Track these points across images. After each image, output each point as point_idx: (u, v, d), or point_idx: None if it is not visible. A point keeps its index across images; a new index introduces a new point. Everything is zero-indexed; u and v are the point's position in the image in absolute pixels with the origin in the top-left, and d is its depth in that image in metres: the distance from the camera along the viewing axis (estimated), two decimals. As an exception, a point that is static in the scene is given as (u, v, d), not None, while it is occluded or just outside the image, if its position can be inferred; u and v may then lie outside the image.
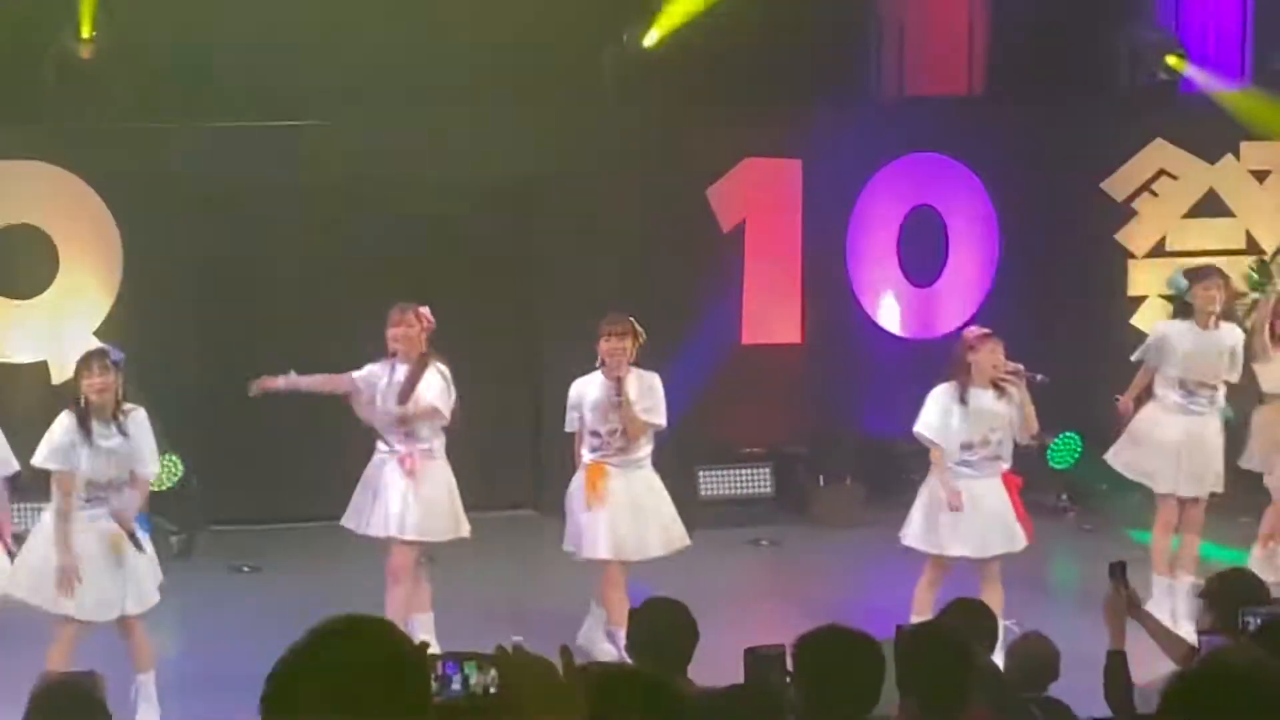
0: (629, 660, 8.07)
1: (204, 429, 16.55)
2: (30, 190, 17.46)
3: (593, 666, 4.37)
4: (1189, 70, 20.13)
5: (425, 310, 14.09)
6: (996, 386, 13.94)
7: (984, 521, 13.90)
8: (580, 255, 18.27)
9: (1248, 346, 15.74)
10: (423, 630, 13.15)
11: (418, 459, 14.02)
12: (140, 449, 13.05)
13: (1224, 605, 8.72)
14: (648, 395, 14.18)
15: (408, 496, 13.98)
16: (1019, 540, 14.05)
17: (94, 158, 17.44)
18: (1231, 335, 15.17)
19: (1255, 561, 14.86)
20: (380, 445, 14.15)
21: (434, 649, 4.17)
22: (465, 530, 14.28)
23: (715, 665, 7.91)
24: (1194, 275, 15.24)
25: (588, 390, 14.29)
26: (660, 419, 14.31)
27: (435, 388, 13.99)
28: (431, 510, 14.06)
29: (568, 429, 14.49)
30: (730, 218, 18.97)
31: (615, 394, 14.00)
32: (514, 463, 18.56)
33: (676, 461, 18.15)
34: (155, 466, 13.43)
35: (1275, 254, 16.78)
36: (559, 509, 14.88)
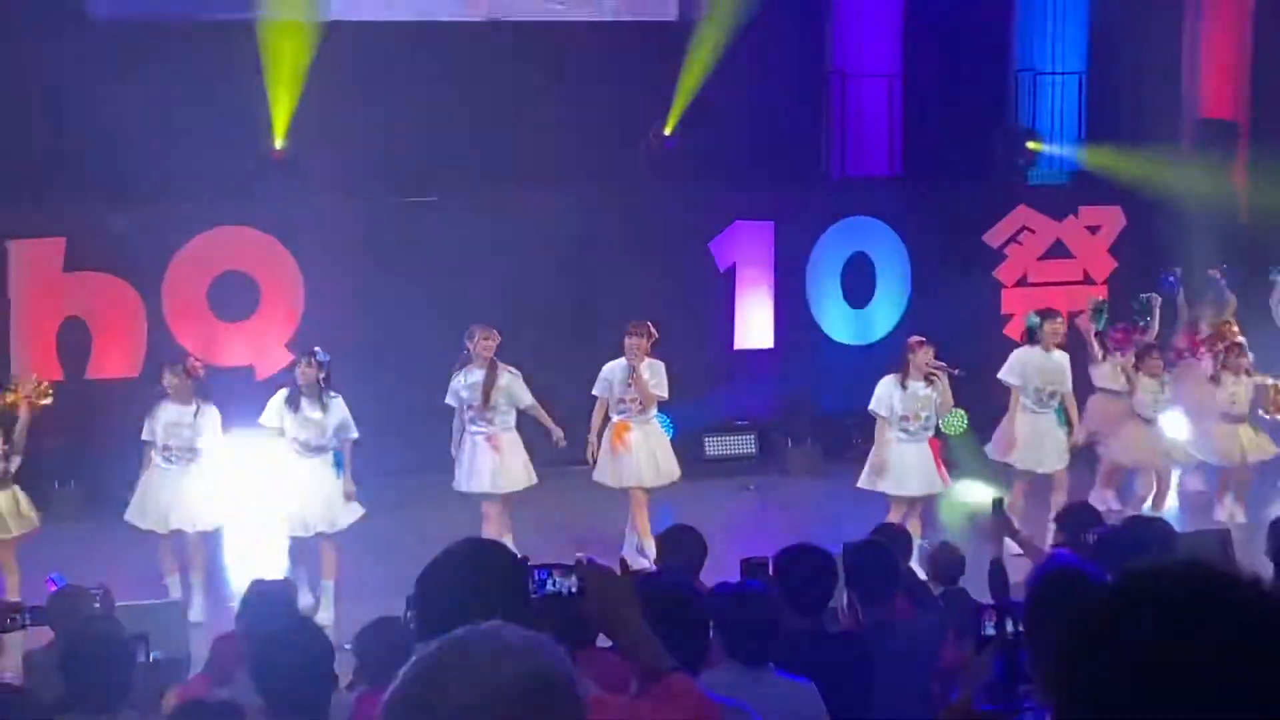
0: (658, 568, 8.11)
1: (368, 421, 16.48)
2: (240, 245, 17.51)
3: (636, 573, 4.39)
4: (1044, 149, 20.14)
5: (493, 330, 14.18)
6: (927, 378, 13.98)
7: (914, 471, 13.94)
8: (621, 289, 18.26)
9: (1082, 358, 15.80)
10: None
11: (499, 436, 14.04)
12: (341, 421, 13.32)
13: (1071, 528, 8.75)
14: (656, 375, 14.31)
15: (495, 463, 13.97)
16: (939, 484, 14.07)
17: (284, 222, 17.49)
18: (1064, 357, 14.99)
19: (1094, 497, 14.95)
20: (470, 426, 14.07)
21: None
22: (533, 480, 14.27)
23: (719, 571, 7.94)
24: (1043, 314, 15.19)
25: (615, 371, 14.40)
26: (663, 392, 14.52)
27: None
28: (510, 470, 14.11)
29: (594, 393, 14.65)
30: (725, 261, 18.97)
31: (629, 375, 14.11)
32: (573, 429, 18.52)
33: (689, 430, 18.22)
34: (354, 434, 13.53)
35: (1100, 304, 16.63)
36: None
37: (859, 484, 14.15)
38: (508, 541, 13.44)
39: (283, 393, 13.48)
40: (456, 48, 18.07)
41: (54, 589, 9.33)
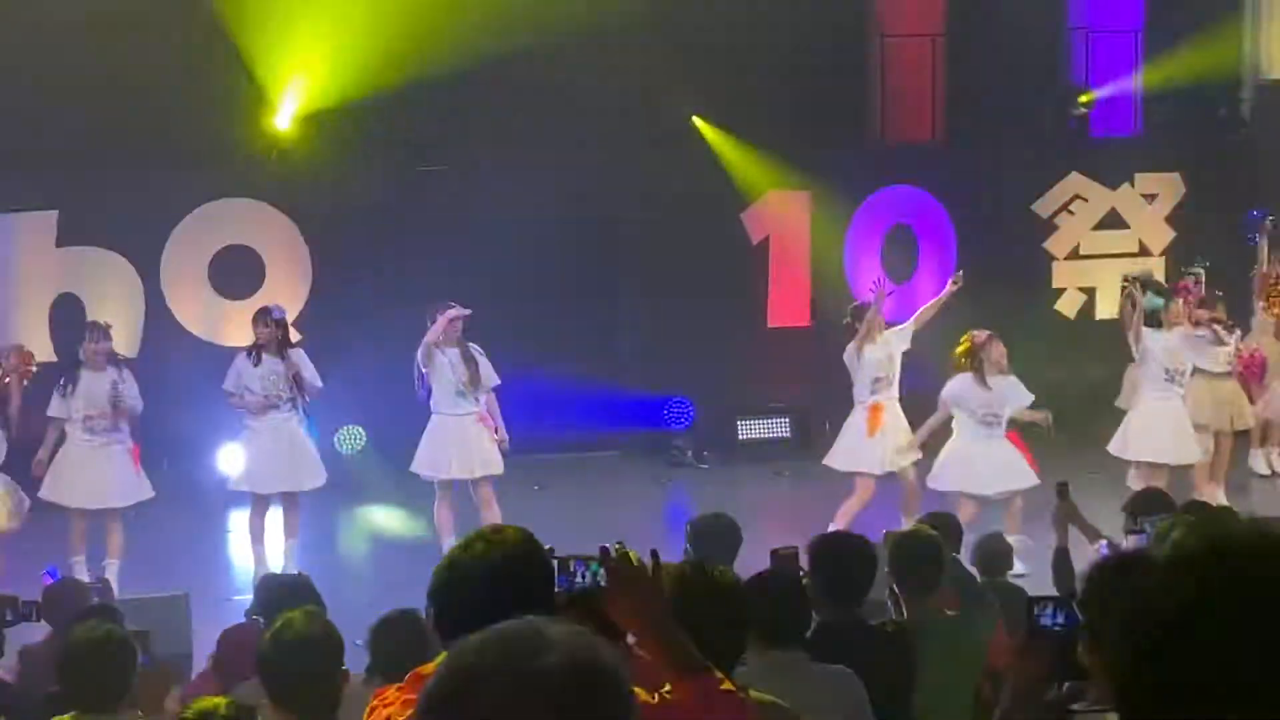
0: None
1: (380, 397, 16.46)
2: (245, 220, 17.54)
3: (669, 564, 4.39)
4: (1095, 97, 20.03)
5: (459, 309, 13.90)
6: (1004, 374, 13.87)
7: (993, 465, 13.78)
8: (651, 261, 18.28)
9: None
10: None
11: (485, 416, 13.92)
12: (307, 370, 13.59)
13: (1139, 516, 8.73)
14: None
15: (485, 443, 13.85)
16: (1030, 479, 13.82)
17: (291, 196, 17.51)
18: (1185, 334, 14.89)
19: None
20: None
21: None
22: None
23: (751, 560, 7.95)
24: (1162, 292, 15.06)
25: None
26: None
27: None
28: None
29: None
30: (758, 234, 18.97)
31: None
32: (601, 414, 18.57)
33: (722, 413, 18.26)
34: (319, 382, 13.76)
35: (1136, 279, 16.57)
36: (635, 451, 14.90)
37: (930, 484, 13.95)
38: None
39: (241, 354, 13.66)
40: (472, 11, 18.03)
41: (50, 582, 9.37)
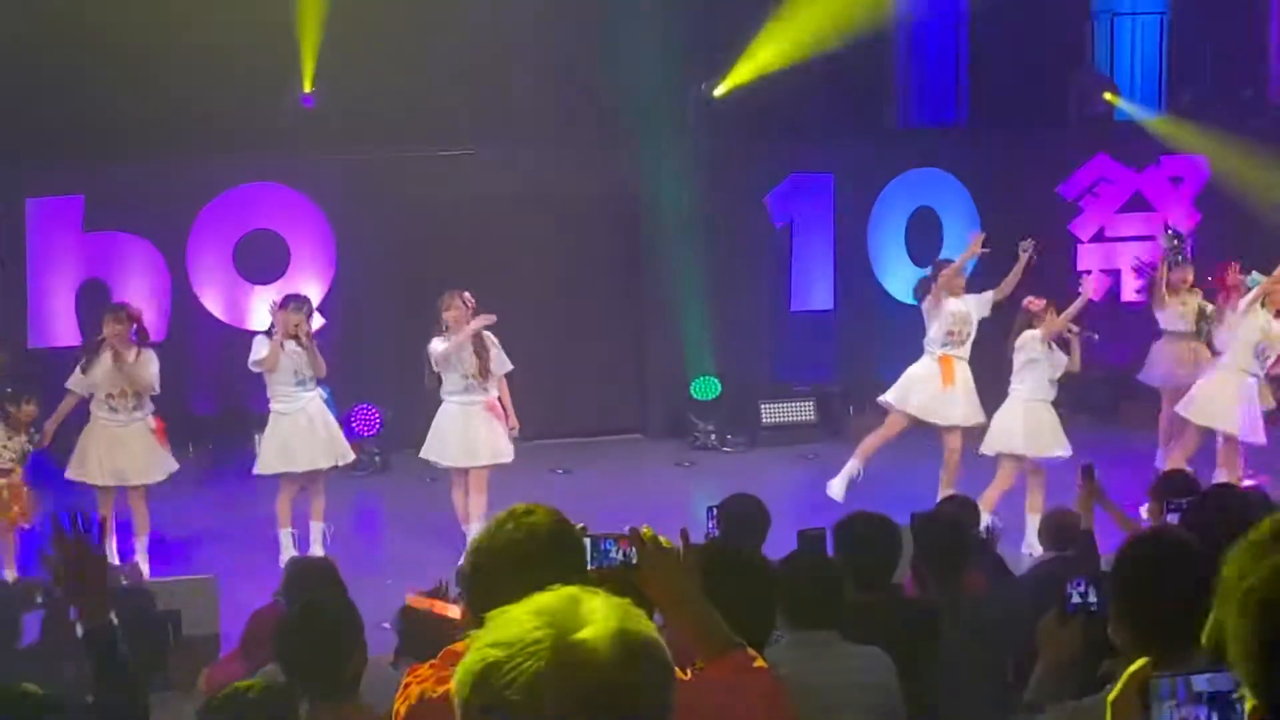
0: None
1: (399, 382, 16.51)
2: (269, 203, 17.58)
3: (700, 545, 4.40)
4: (1121, 103, 20.05)
5: (467, 294, 13.79)
6: (1062, 340, 13.93)
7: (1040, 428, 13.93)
8: (672, 243, 18.28)
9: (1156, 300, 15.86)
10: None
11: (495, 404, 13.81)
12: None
13: (1159, 497, 8.71)
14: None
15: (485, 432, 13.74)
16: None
17: (315, 178, 17.55)
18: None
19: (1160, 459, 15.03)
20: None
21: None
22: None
23: (777, 543, 7.96)
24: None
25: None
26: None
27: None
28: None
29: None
30: (781, 218, 18.97)
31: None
32: (624, 397, 18.60)
33: (744, 396, 18.26)
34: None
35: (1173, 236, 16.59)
36: (662, 432, 14.85)
37: (982, 450, 14.07)
38: (477, 525, 13.26)
39: (262, 336, 13.69)
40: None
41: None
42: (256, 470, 13.90)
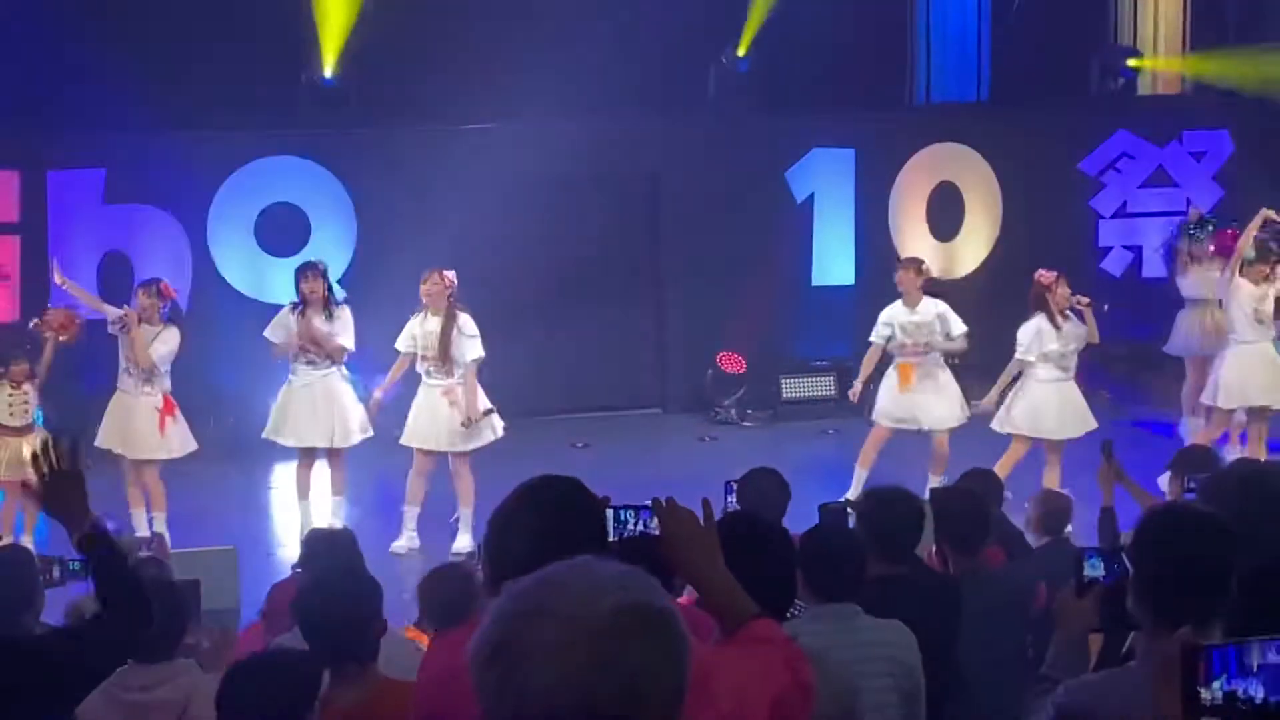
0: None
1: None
2: (290, 176, 17.61)
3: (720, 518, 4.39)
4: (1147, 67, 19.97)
5: (450, 273, 13.58)
6: (1073, 313, 13.80)
7: (1065, 409, 13.81)
8: (692, 217, 18.30)
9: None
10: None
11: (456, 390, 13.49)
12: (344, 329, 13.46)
13: (1179, 472, 8.71)
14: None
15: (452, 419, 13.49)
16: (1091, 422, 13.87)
17: (335, 152, 17.57)
18: None
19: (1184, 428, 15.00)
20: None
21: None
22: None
23: (796, 517, 7.97)
24: None
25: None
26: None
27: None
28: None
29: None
30: (802, 192, 18.96)
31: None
32: (645, 371, 18.62)
33: (765, 372, 18.27)
34: (351, 345, 13.60)
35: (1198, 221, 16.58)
36: (680, 407, 14.82)
37: (994, 426, 13.95)
38: (469, 510, 13.26)
39: (288, 306, 13.64)
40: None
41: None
42: (268, 435, 13.89)
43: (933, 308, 14.19)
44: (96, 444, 13.47)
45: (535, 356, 17.38)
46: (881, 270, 18.85)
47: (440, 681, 3.97)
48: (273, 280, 17.02)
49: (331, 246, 17.47)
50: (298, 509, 13.72)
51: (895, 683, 5.79)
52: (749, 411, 18.00)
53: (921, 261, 14.65)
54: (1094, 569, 4.78)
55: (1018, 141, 19.13)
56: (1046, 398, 13.81)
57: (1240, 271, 14.60)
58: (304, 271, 13.70)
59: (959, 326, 14.11)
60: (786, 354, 18.53)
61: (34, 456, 4.96)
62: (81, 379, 15.05)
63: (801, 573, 5.50)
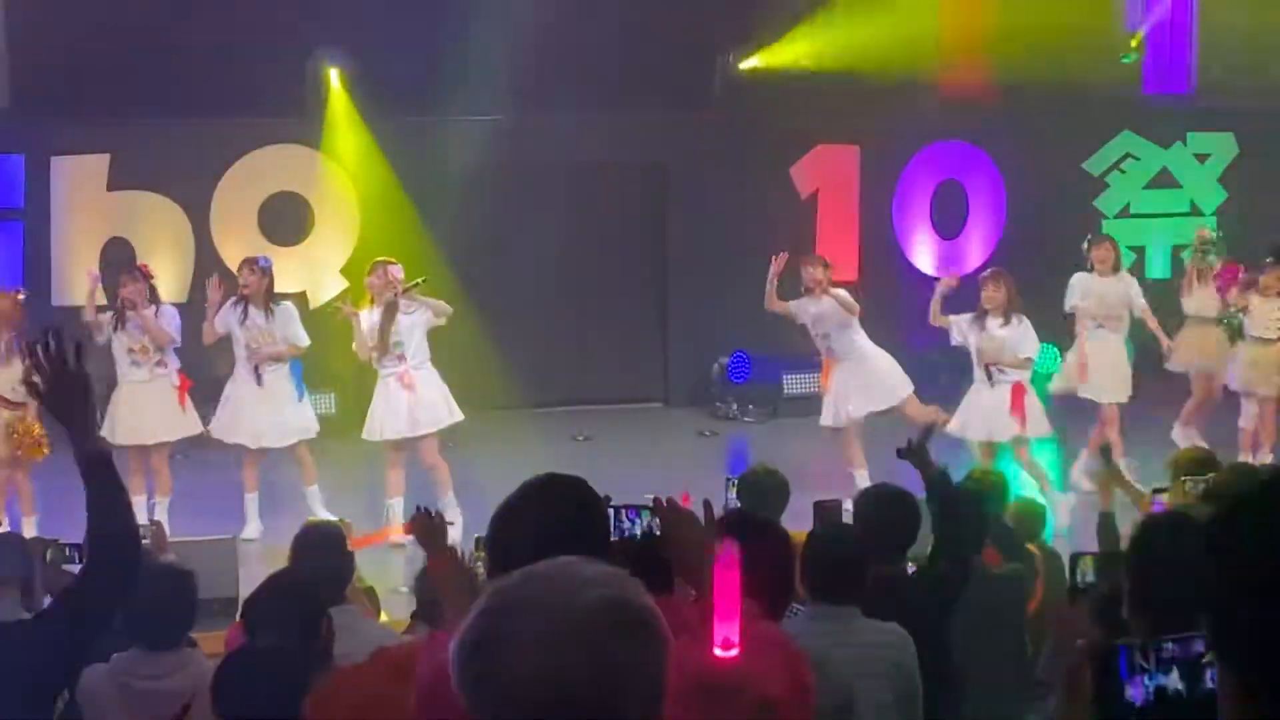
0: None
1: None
2: (293, 165, 17.62)
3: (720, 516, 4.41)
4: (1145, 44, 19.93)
5: (394, 268, 13.48)
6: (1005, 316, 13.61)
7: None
8: (695, 213, 18.31)
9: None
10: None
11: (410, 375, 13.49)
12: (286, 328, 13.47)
13: (1176, 474, 8.72)
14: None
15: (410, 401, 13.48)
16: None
17: (339, 142, 17.57)
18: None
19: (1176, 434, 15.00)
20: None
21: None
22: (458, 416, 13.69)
23: (797, 514, 7.99)
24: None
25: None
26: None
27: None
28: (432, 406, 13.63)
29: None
30: (806, 188, 18.96)
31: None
32: (647, 365, 18.63)
33: (767, 367, 18.27)
34: (304, 341, 13.62)
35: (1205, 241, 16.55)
36: (682, 401, 14.82)
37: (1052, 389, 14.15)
38: (449, 495, 13.21)
39: (229, 302, 13.63)
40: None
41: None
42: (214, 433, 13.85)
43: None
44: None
45: (538, 349, 17.40)
46: (885, 267, 18.94)
47: (438, 681, 3.99)
48: (275, 269, 17.04)
49: (334, 236, 17.52)
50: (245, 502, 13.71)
51: (892, 685, 5.82)
52: (750, 407, 18.02)
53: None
54: (1088, 575, 4.81)
55: (1022, 141, 19.12)
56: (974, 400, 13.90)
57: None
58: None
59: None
60: (788, 349, 18.50)
61: (31, 349, 4.61)
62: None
63: (801, 574, 5.52)
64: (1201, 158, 19.92)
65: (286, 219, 17.49)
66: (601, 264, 18.08)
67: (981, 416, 13.73)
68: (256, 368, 13.61)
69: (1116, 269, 14.85)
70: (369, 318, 13.40)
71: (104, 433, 13.25)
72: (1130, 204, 19.77)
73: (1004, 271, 14.03)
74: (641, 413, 18.04)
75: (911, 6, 18.40)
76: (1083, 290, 14.75)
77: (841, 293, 14.22)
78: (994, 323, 13.67)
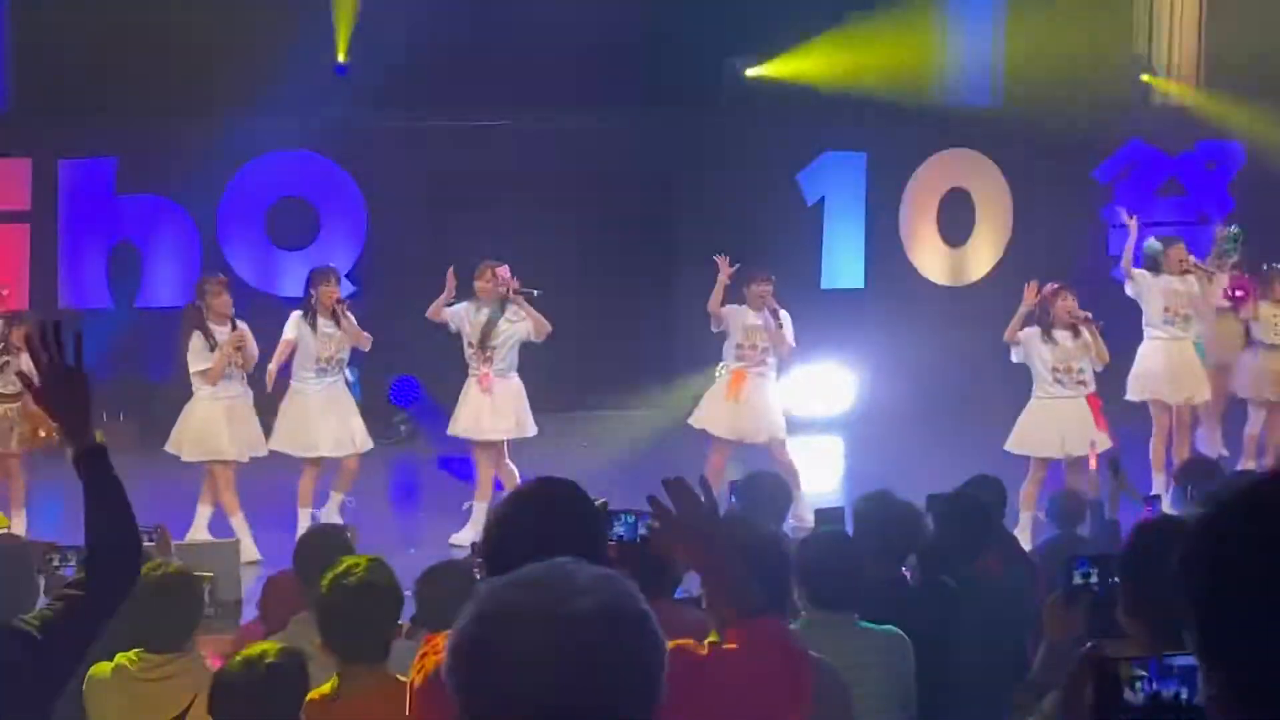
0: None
1: (434, 351, 16.46)
2: (300, 170, 17.65)
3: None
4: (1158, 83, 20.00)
5: (502, 269, 13.53)
6: (1073, 328, 13.47)
7: (1065, 426, 13.32)
8: (702, 220, 18.31)
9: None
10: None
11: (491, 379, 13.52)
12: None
13: (1181, 482, 8.76)
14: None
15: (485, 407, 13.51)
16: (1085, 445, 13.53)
17: (346, 146, 17.61)
18: None
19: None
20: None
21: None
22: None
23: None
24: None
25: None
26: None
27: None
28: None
29: None
30: (813, 195, 18.99)
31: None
32: (650, 371, 18.62)
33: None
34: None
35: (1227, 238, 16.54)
36: (690, 406, 14.80)
37: (1007, 447, 13.54)
38: (483, 501, 13.17)
39: (298, 313, 13.45)
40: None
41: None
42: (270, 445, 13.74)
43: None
44: (188, 456, 13.27)
45: (541, 353, 17.34)
46: (892, 275, 18.95)
47: (436, 685, 3.99)
48: (282, 274, 17.10)
49: (341, 240, 17.55)
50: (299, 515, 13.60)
51: (889, 690, 5.83)
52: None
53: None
54: (1083, 577, 4.83)
55: (1029, 149, 19.12)
56: (1043, 416, 13.52)
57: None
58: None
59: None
60: (795, 356, 18.50)
61: (28, 338, 4.50)
62: (148, 367, 15.08)
63: (799, 580, 5.53)
64: (1210, 165, 19.88)
65: (293, 224, 17.53)
66: (607, 269, 18.07)
67: (1057, 431, 13.37)
68: (324, 375, 13.39)
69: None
70: (468, 311, 13.43)
71: (192, 451, 13.13)
72: (1138, 212, 19.74)
73: (1068, 284, 13.86)
74: (644, 418, 17.99)
75: (918, 33, 18.46)
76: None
77: (787, 323, 14.06)
78: (1063, 334, 13.50)
